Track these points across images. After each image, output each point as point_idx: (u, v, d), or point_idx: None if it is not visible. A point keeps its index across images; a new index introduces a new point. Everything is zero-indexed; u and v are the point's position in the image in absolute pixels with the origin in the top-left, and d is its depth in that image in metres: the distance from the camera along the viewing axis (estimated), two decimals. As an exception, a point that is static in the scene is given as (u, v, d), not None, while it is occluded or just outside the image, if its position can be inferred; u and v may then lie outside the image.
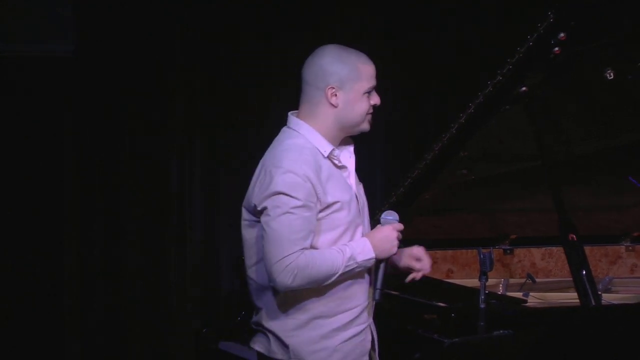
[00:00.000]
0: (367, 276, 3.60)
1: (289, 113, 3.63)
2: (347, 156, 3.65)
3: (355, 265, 3.51)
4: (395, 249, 3.56)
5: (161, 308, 6.56)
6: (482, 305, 3.74)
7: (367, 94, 3.57)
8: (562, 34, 3.98)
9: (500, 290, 4.83)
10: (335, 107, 3.55)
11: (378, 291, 3.57)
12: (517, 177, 4.76)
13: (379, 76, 3.63)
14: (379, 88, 3.61)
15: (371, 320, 3.63)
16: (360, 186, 3.69)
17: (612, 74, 4.21)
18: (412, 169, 4.55)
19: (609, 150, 4.70)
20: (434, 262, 5.09)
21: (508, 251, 5.13)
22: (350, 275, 3.53)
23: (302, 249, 3.44)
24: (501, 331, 3.77)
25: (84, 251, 6.50)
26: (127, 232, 6.52)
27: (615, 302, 4.43)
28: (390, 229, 3.57)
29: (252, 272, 3.61)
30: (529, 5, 5.80)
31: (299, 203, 3.45)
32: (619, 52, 4.25)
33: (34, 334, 6.43)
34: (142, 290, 6.53)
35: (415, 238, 4.85)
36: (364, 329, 3.59)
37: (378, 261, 3.56)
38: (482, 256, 3.69)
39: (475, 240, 5.03)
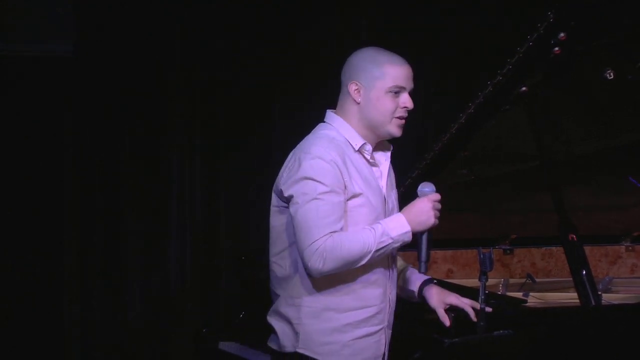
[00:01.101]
0: (386, 279, 3.60)
1: (327, 109, 3.68)
2: (383, 158, 3.67)
3: (391, 241, 3.50)
4: (432, 220, 3.54)
5: (161, 308, 6.55)
6: (482, 305, 3.73)
7: (392, 94, 3.58)
8: (562, 34, 3.98)
9: (500, 290, 4.83)
10: (358, 103, 3.59)
11: (423, 264, 3.57)
12: (517, 177, 4.76)
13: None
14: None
15: (386, 324, 3.63)
16: (394, 192, 3.72)
17: (612, 74, 4.21)
18: (412, 169, 4.55)
19: (609, 150, 4.70)
20: (434, 262, 5.10)
21: (508, 251, 5.13)
22: (365, 272, 3.53)
23: (331, 233, 3.45)
24: (501, 331, 3.77)
25: (84, 251, 6.50)
26: (127, 232, 6.52)
27: (615, 302, 4.43)
28: (425, 200, 3.56)
29: (276, 259, 3.61)
30: (529, 5, 5.79)
31: (326, 189, 3.47)
32: (619, 52, 4.24)
33: (34, 334, 6.43)
34: (142, 290, 6.53)
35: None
36: (378, 331, 3.60)
37: (420, 234, 3.56)
38: (482, 256, 3.69)
39: (475, 240, 5.03)
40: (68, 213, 6.48)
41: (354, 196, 3.53)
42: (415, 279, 3.82)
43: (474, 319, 3.69)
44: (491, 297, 3.97)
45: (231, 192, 6.63)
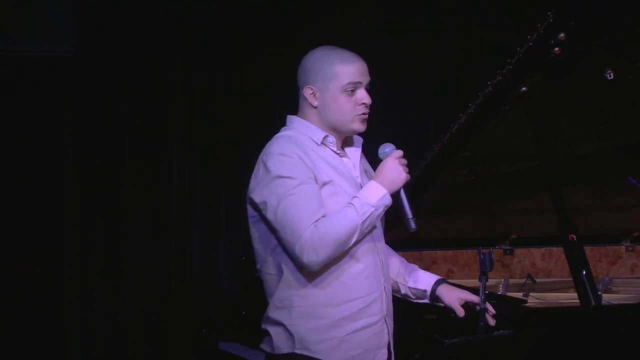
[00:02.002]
0: (376, 267, 3.56)
1: (288, 115, 3.65)
2: (353, 150, 3.65)
3: (373, 209, 3.47)
4: (403, 175, 3.52)
5: (161, 308, 6.56)
6: (482, 306, 3.73)
7: (347, 92, 3.54)
8: (562, 34, 3.97)
9: (501, 291, 4.83)
10: (315, 107, 3.55)
11: (411, 220, 3.54)
12: (518, 177, 4.75)
13: (378, 76, 3.62)
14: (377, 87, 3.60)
15: (386, 313, 3.59)
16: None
17: (612, 74, 4.21)
18: (413, 169, 4.54)
19: (609, 150, 4.70)
20: (434, 262, 5.10)
21: (508, 251, 5.13)
22: (355, 260, 3.50)
23: (314, 222, 3.42)
24: (501, 331, 3.77)
25: (84, 251, 6.50)
26: (127, 231, 6.52)
27: (615, 302, 4.43)
28: (389, 160, 3.54)
29: (263, 268, 3.59)
30: (529, 5, 5.79)
31: (296, 182, 3.44)
32: (619, 52, 4.24)
33: (34, 334, 6.43)
34: (142, 291, 6.53)
35: (416, 238, 4.88)
36: (378, 321, 3.56)
37: (397, 194, 3.53)
38: (482, 256, 3.68)
39: (476, 240, 5.03)
40: (68, 213, 6.48)
41: (325, 184, 3.50)
42: (426, 278, 3.80)
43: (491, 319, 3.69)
44: (491, 298, 3.97)
45: (231, 192, 6.63)
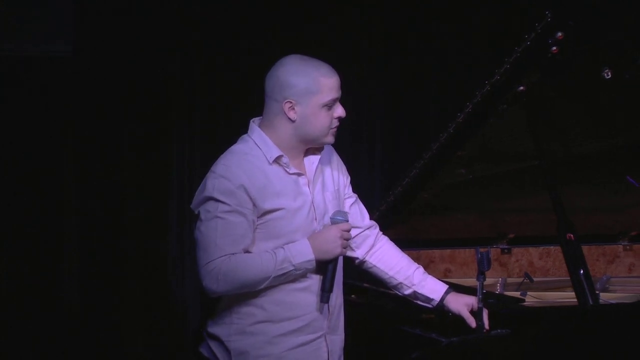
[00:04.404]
0: (315, 284, 3.54)
1: (251, 120, 3.62)
2: (309, 163, 3.60)
3: (292, 268, 3.46)
4: (338, 250, 3.50)
5: (161, 308, 6.56)
6: (480, 305, 3.74)
7: (327, 107, 3.51)
8: (559, 33, 3.98)
9: (498, 290, 4.83)
10: (293, 121, 3.51)
11: (325, 294, 3.52)
12: (515, 177, 4.76)
13: (379, 77, 3.63)
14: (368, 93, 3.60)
15: (327, 331, 3.58)
16: (330, 191, 3.64)
17: (609, 73, 4.21)
18: (410, 169, 4.55)
19: (607, 150, 4.70)
20: (432, 261, 5.10)
21: (506, 250, 5.13)
22: (294, 280, 3.49)
23: (230, 254, 3.41)
24: (499, 330, 3.77)
25: (84, 251, 6.50)
26: (127, 231, 6.53)
27: (612, 301, 4.43)
28: (333, 229, 3.51)
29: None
30: (529, 5, 5.80)
31: (227, 208, 3.42)
32: (617, 51, 4.25)
33: (34, 333, 6.43)
34: (142, 290, 6.53)
35: (413, 237, 4.89)
36: (316, 339, 3.55)
37: (326, 263, 3.51)
38: (479, 255, 3.69)
39: (473, 240, 5.03)
40: (68, 213, 6.48)
41: (270, 211, 3.47)
42: (435, 286, 3.80)
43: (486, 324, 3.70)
44: (489, 297, 3.98)
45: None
